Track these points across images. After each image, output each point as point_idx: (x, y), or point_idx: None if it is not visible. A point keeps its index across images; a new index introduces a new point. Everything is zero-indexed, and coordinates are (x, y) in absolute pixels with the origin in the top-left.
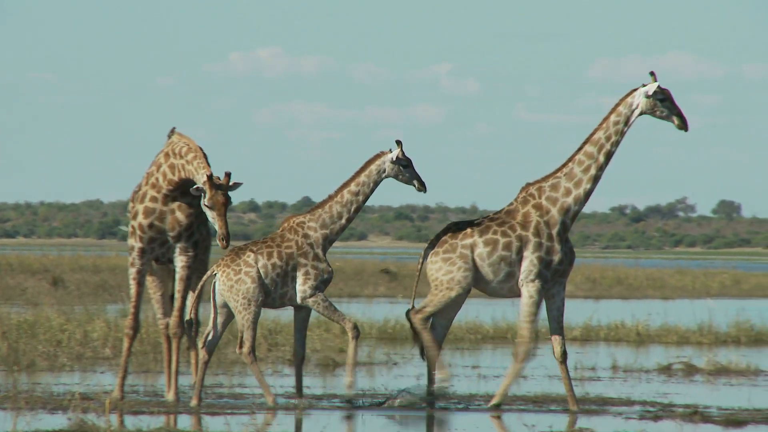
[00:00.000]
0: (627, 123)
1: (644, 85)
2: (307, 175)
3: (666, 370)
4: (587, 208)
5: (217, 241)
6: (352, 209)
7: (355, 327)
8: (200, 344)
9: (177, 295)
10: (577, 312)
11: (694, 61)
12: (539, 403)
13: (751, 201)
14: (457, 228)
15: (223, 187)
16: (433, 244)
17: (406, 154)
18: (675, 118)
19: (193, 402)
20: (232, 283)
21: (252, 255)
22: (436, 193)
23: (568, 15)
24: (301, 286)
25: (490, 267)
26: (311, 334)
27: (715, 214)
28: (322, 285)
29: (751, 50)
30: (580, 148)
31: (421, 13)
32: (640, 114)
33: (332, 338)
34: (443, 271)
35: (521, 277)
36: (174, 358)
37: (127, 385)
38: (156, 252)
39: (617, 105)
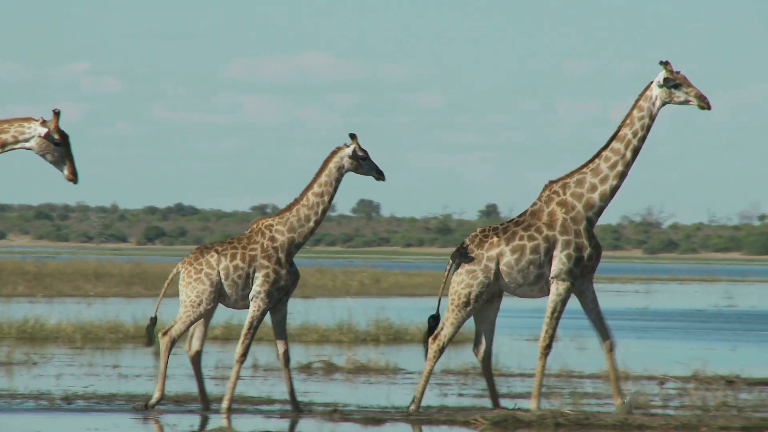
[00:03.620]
0: (651, 117)
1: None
2: None
3: (306, 368)
4: (228, 208)
5: (68, 179)
6: (319, 211)
7: (245, 354)
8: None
9: None
10: (218, 311)
11: (332, 60)
12: (180, 402)
13: (389, 200)
14: (483, 235)
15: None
16: (459, 252)
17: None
18: (694, 100)
19: (153, 402)
20: (190, 280)
21: (216, 256)
22: (75, 192)
23: (204, 14)
24: (258, 287)
25: (519, 273)
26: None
27: (355, 213)
28: (276, 292)
29: (387, 51)
30: (606, 145)
31: (57, 10)
32: (662, 105)
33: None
34: (464, 284)
35: (551, 275)
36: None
37: None
38: None
39: (638, 100)
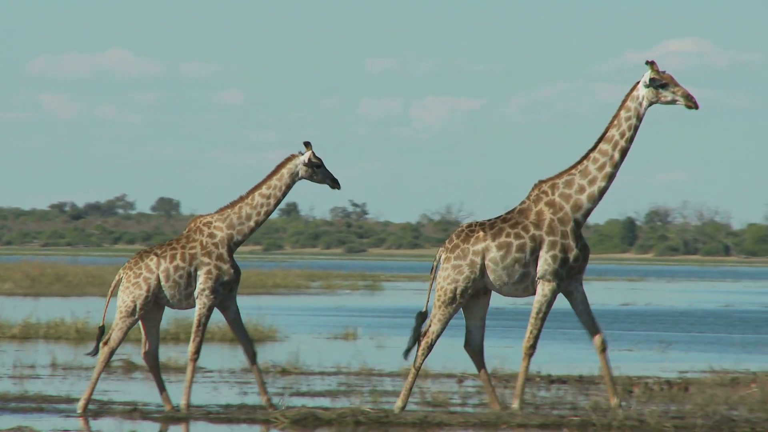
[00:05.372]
0: (638, 117)
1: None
2: None
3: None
4: (27, 206)
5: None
6: (262, 212)
7: (197, 352)
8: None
9: None
10: (16, 310)
11: (133, 58)
12: None
13: (189, 198)
14: (470, 230)
15: None
16: (446, 248)
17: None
18: (681, 100)
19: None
20: (128, 284)
21: (155, 259)
22: None
23: (4, 12)
24: (201, 285)
25: (504, 270)
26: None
27: (155, 211)
28: (220, 287)
29: (187, 49)
30: (594, 147)
31: None
32: (649, 105)
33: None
34: (449, 280)
35: (537, 275)
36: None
37: None
38: None
39: (625, 100)
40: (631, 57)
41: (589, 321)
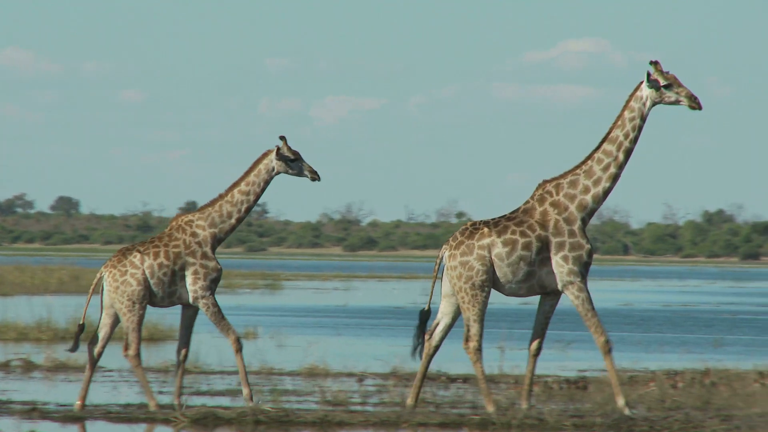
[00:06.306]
0: (642, 117)
1: (648, 76)
2: None
3: (4, 366)
4: None
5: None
6: (243, 209)
7: (238, 340)
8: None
9: None
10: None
11: (32, 57)
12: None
13: (89, 197)
14: (474, 228)
15: None
16: (450, 245)
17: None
18: (684, 101)
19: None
20: (117, 284)
21: (138, 256)
22: None
23: None
24: (192, 286)
25: (509, 267)
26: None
27: (54, 210)
28: (212, 284)
29: (88, 48)
30: (598, 146)
31: None
32: (653, 105)
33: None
34: (464, 278)
35: (558, 284)
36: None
37: None
38: None
39: (628, 101)
40: (531, 57)
41: (543, 326)
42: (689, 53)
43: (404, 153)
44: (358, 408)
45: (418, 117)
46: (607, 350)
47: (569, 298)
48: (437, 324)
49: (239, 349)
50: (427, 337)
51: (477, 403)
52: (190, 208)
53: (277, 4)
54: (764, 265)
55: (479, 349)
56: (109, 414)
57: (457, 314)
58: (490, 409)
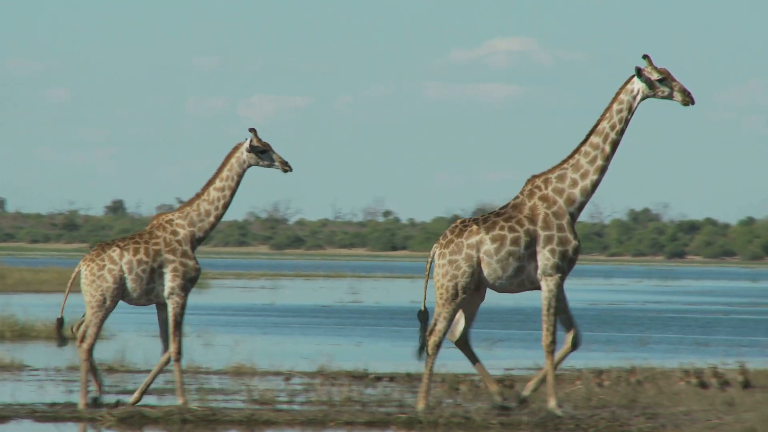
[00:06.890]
0: (630, 110)
1: (639, 69)
2: None
3: None
4: None
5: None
6: (220, 205)
7: (181, 351)
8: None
9: None
10: None
11: None
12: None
13: (15, 196)
14: (463, 225)
15: None
16: (440, 244)
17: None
18: (677, 95)
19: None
20: (94, 278)
21: (118, 251)
22: None
23: None
24: (170, 283)
25: (498, 263)
26: None
27: None
28: (189, 283)
29: (11, 47)
30: (585, 140)
31: None
32: (643, 98)
33: None
34: (449, 276)
35: (539, 272)
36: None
37: None
38: None
39: (618, 93)
40: (458, 56)
41: (567, 316)
42: (616, 52)
43: (332, 152)
44: (285, 407)
45: (346, 116)
46: (551, 351)
47: (542, 289)
48: (455, 323)
49: (179, 359)
50: (451, 338)
51: (404, 401)
52: (117, 206)
53: (204, 3)
54: (690, 264)
55: (438, 345)
56: (35, 413)
57: (473, 308)
58: (421, 405)
